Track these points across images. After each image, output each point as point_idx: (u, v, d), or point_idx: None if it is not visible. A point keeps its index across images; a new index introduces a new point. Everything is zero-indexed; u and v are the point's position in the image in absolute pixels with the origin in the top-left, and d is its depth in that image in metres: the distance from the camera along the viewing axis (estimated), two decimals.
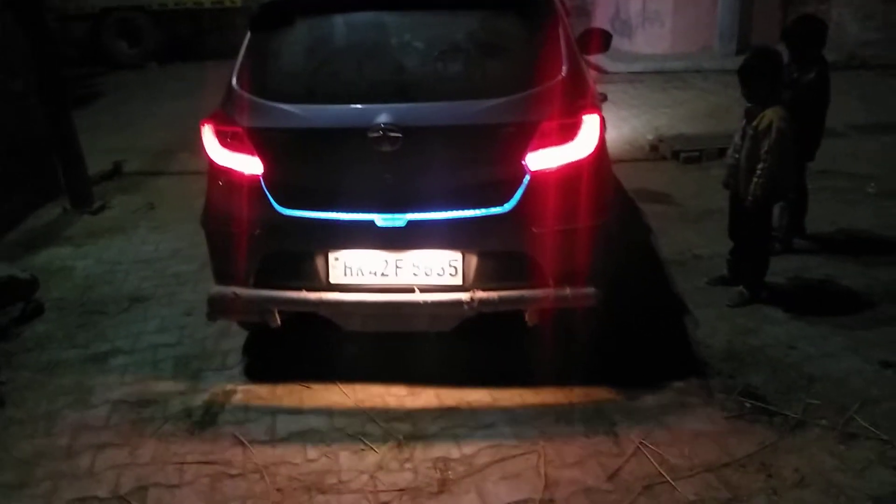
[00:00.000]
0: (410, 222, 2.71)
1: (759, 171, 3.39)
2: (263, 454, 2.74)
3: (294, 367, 3.29)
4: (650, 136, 6.41)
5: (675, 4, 10.09)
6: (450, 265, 2.77)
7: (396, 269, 2.80)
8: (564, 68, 2.77)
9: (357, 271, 2.83)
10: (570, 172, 2.68)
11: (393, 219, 2.71)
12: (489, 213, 2.70)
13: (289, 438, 2.83)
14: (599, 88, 3.40)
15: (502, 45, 2.88)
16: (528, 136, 2.65)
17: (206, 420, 2.98)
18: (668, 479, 2.47)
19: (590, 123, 2.70)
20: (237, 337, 3.58)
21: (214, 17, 13.32)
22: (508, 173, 2.68)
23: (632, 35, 10.66)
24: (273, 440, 2.83)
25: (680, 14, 10.11)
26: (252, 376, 3.26)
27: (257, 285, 2.88)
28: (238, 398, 3.11)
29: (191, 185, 6.20)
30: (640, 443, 2.66)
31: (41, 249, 4.89)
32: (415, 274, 2.79)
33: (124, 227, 5.24)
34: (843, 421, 2.72)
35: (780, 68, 3.53)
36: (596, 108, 2.78)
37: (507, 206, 2.69)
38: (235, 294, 2.86)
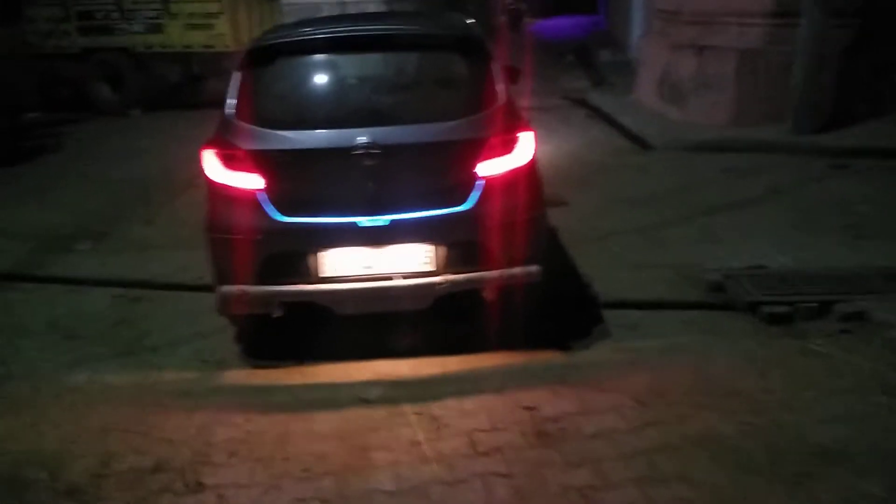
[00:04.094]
0: (390, 221, 3.22)
1: None
2: None
3: None
4: (710, 268, 4.35)
5: (739, 67, 8.10)
6: (423, 255, 3.32)
7: (378, 261, 3.31)
8: (503, 97, 3.43)
9: (345, 265, 3.31)
10: (513, 177, 3.31)
11: (375, 220, 3.22)
12: (452, 212, 3.27)
13: None
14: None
15: (454, 79, 3.61)
16: (480, 150, 3.27)
17: None
18: None
19: (526, 138, 3.34)
20: None
21: (204, 62, 11.84)
22: (465, 179, 3.28)
23: (683, 102, 8.68)
24: None
25: (745, 79, 8.11)
26: None
27: (261, 282, 3.30)
28: None
29: (53, 302, 4.43)
30: None
31: None
32: (395, 264, 3.31)
33: None
34: None
35: None
36: (529, 127, 3.39)
37: (466, 206, 3.28)
38: (243, 290, 3.31)
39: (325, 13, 15.47)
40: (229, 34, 11.52)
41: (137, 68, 11.92)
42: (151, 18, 11.66)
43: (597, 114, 9.98)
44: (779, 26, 7.92)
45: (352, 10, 15.64)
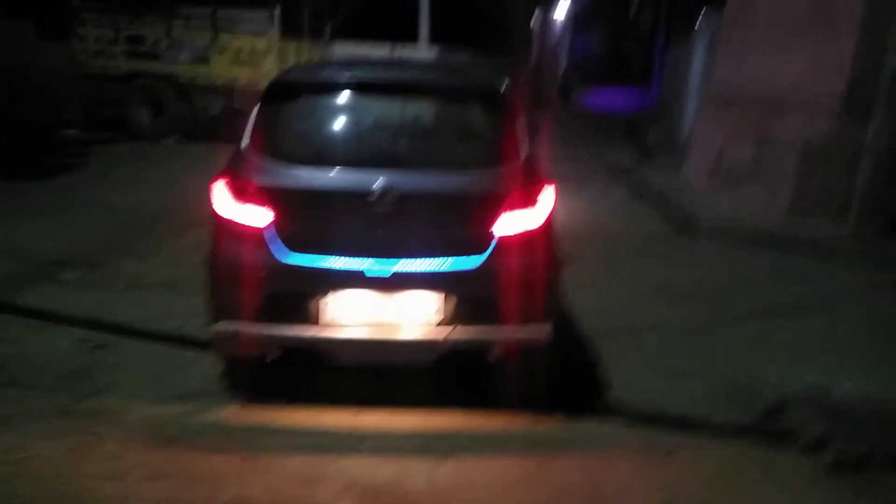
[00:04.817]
0: (399, 270, 3.09)
1: None
2: None
3: None
4: (762, 386, 3.69)
5: (802, 158, 7.50)
6: (430, 307, 3.16)
7: (383, 310, 3.17)
8: (525, 151, 3.35)
9: (348, 311, 3.16)
10: (531, 233, 3.18)
11: (383, 266, 3.09)
12: (464, 263, 3.13)
13: None
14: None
15: (474, 130, 3.49)
16: (497, 203, 3.15)
17: None
18: None
19: (546, 195, 3.23)
20: None
21: (246, 98, 11.65)
22: (481, 232, 3.15)
23: (736, 189, 8.09)
24: None
25: (806, 171, 7.49)
26: None
27: (259, 322, 3.14)
28: None
29: (10, 340, 3.96)
30: None
31: None
32: (400, 314, 3.17)
33: None
34: None
35: None
36: (550, 182, 3.27)
37: (480, 259, 3.14)
38: (239, 330, 3.15)
39: None
40: (275, 73, 11.37)
41: (179, 97, 11.85)
42: (199, 50, 11.63)
43: (640, 191, 9.43)
44: (848, 118, 7.36)
45: None
